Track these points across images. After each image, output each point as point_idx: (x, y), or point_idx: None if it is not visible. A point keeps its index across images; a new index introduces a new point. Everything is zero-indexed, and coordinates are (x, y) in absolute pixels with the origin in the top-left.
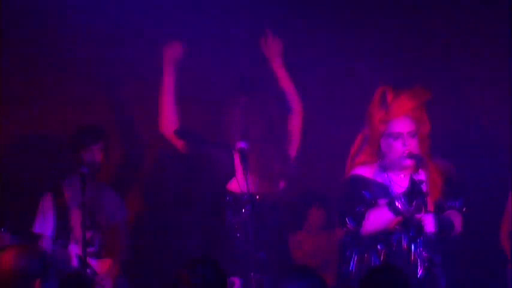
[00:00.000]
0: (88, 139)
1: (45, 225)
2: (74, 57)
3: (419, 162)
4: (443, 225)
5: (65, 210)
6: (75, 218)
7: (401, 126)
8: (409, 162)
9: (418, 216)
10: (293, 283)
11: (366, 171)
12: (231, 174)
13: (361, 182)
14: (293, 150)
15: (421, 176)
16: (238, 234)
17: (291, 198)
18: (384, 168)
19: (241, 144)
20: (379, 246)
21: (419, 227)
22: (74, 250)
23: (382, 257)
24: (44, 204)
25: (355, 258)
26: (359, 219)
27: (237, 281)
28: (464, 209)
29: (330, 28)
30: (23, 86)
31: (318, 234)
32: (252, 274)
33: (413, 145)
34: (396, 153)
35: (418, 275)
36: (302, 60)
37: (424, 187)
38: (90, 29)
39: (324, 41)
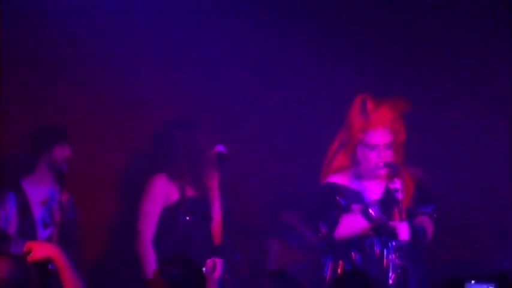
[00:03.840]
0: (57, 138)
1: (6, 222)
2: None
3: (394, 171)
4: (417, 233)
5: (28, 209)
6: (38, 216)
7: (379, 138)
8: (383, 171)
9: (392, 224)
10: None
11: (340, 179)
12: None
13: (335, 189)
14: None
15: (397, 184)
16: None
17: (269, 202)
18: (358, 176)
19: (219, 148)
20: (352, 253)
21: (393, 234)
22: None
23: (355, 262)
24: (5, 202)
25: (330, 264)
26: (332, 223)
27: (218, 262)
28: (435, 215)
29: (310, 37)
30: None
31: (297, 240)
32: (226, 276)
33: (388, 156)
34: (371, 163)
35: (390, 282)
36: (282, 68)
37: (399, 195)
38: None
39: (304, 50)
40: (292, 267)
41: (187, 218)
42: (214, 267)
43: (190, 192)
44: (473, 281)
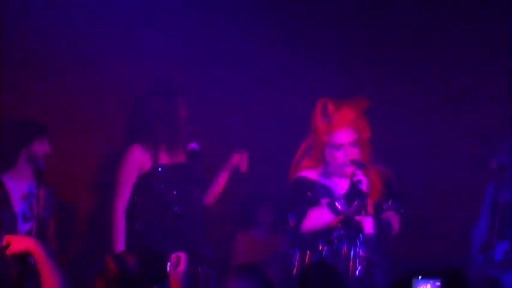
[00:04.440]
0: (36, 133)
1: None
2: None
3: (361, 167)
4: (382, 226)
5: (9, 202)
6: (18, 210)
7: (343, 137)
8: (351, 169)
9: (357, 218)
10: (239, 280)
11: (310, 174)
12: None
13: (305, 183)
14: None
15: (359, 176)
16: (175, 208)
17: (242, 197)
18: (327, 174)
19: (192, 145)
20: (320, 245)
21: (358, 228)
22: None
23: (323, 254)
24: None
25: (297, 256)
26: (300, 216)
27: (183, 256)
28: (402, 210)
29: (282, 39)
30: None
31: (265, 233)
32: (199, 268)
33: (355, 153)
34: (338, 161)
35: (356, 274)
36: (255, 70)
37: (363, 187)
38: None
39: (275, 52)
40: (258, 260)
41: (162, 185)
42: (178, 261)
43: (164, 160)
44: (420, 277)
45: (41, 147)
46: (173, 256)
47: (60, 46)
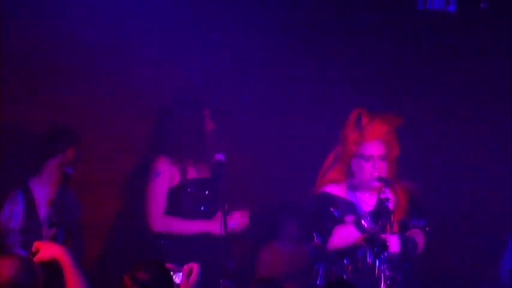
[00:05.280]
0: (70, 141)
1: (13, 220)
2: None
3: (388, 185)
4: (408, 245)
5: (34, 208)
6: (44, 216)
7: (373, 149)
8: (378, 184)
9: (383, 236)
10: None
11: (335, 189)
12: None
13: (329, 199)
14: None
15: (387, 194)
16: None
17: (267, 208)
18: (353, 188)
19: (218, 156)
20: (345, 261)
21: (384, 246)
22: None
23: (348, 272)
24: (12, 200)
25: (322, 273)
26: (326, 235)
27: (195, 267)
28: (427, 228)
29: (311, 51)
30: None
31: (291, 246)
32: (221, 281)
33: (383, 167)
34: (366, 174)
35: None
36: (284, 81)
37: (390, 205)
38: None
39: (305, 63)
40: (282, 274)
41: (190, 201)
42: (190, 272)
43: (192, 174)
44: None
45: (73, 154)
46: (185, 267)
47: (90, 57)
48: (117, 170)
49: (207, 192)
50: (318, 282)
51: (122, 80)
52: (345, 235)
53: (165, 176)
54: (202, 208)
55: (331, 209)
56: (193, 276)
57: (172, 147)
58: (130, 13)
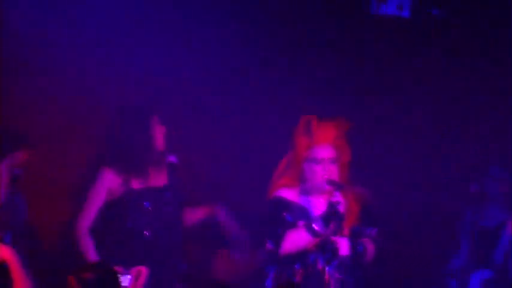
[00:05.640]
0: (19, 143)
1: None
2: None
3: (338, 188)
4: (357, 248)
5: None
6: None
7: (324, 152)
8: (329, 187)
9: (333, 239)
10: None
11: (287, 194)
12: None
13: (282, 204)
14: None
15: (338, 197)
16: (146, 233)
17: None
18: (305, 192)
19: (170, 158)
20: (296, 266)
21: (334, 249)
22: None
23: (298, 276)
24: None
25: (272, 276)
26: (278, 240)
27: (143, 270)
28: (377, 238)
29: (265, 57)
30: None
31: (245, 252)
32: (176, 285)
33: (333, 171)
34: (317, 177)
35: None
36: (234, 82)
37: (340, 208)
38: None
39: (256, 68)
40: (235, 278)
41: (132, 212)
42: (139, 274)
43: (137, 185)
44: None
45: (22, 156)
46: (133, 270)
47: (38, 56)
48: (71, 171)
49: (156, 200)
50: (266, 285)
51: (75, 80)
52: (296, 239)
53: (104, 187)
54: (145, 217)
55: (284, 214)
56: (141, 279)
57: (117, 159)
58: (73, 17)
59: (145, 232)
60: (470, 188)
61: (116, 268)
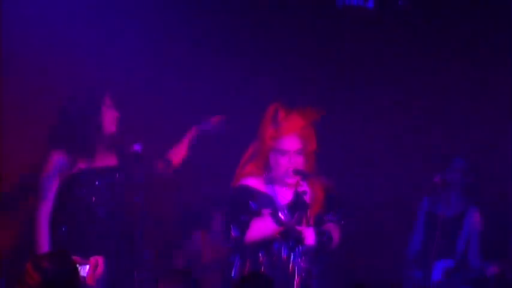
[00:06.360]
0: None
1: None
2: None
3: (304, 178)
4: (322, 238)
5: None
6: None
7: (289, 144)
8: (294, 178)
9: (299, 228)
10: (169, 285)
11: (253, 182)
12: None
13: (247, 192)
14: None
15: (304, 187)
16: (99, 213)
17: (192, 200)
18: (271, 181)
19: (135, 147)
20: (260, 254)
21: (299, 239)
22: None
23: (262, 264)
24: None
25: (238, 264)
26: (243, 227)
27: (100, 259)
28: (342, 222)
29: (234, 46)
30: None
31: (216, 238)
32: (135, 272)
33: (299, 162)
34: (282, 168)
35: (295, 285)
36: (203, 70)
37: (307, 198)
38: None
39: (223, 54)
40: (204, 265)
41: (83, 190)
42: (96, 264)
43: (85, 164)
44: None
45: None
46: (92, 259)
47: None
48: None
49: (106, 181)
50: (232, 275)
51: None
52: (262, 227)
53: (54, 168)
54: (95, 196)
55: (249, 202)
56: (99, 269)
57: (65, 140)
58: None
59: (99, 212)
60: (433, 177)
61: (74, 258)
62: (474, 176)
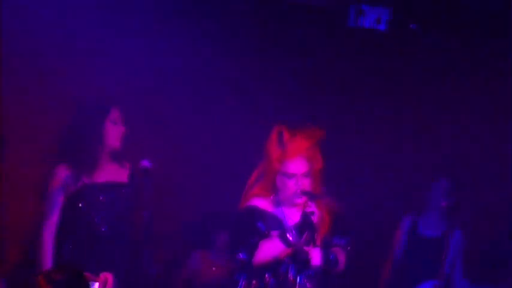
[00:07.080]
0: None
1: None
2: None
3: (312, 198)
4: (329, 259)
5: None
6: None
7: (296, 167)
8: (302, 200)
9: (306, 249)
10: None
11: (261, 203)
12: None
13: (256, 213)
14: None
15: (312, 208)
16: (103, 229)
17: (197, 218)
18: (278, 203)
19: (144, 163)
20: (266, 275)
21: (306, 259)
22: None
23: (268, 285)
24: None
25: (243, 284)
26: (252, 250)
27: (109, 277)
28: (348, 248)
29: (239, 67)
30: None
31: (220, 257)
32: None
33: (306, 184)
34: (289, 191)
35: None
36: (208, 92)
37: (314, 218)
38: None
39: (229, 77)
40: (207, 284)
41: (86, 206)
42: (106, 281)
43: (90, 179)
44: None
45: None
46: (101, 276)
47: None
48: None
49: (111, 196)
50: None
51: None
52: (270, 249)
53: (59, 184)
54: (100, 212)
55: (257, 223)
56: (108, 286)
57: (70, 154)
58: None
59: (103, 228)
60: (415, 197)
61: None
62: (457, 196)
